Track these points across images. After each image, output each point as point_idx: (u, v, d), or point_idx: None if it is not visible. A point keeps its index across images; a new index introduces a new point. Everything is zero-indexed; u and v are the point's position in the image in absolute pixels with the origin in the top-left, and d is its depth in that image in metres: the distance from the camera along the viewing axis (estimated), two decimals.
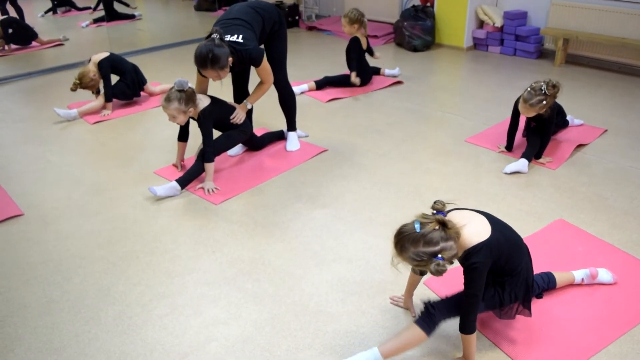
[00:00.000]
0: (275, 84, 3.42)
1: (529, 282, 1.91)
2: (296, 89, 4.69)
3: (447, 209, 1.75)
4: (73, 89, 4.25)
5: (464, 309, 1.79)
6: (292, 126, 3.69)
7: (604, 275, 2.25)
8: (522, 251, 1.90)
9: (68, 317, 2.21)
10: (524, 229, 2.67)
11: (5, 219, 2.94)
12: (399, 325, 2.10)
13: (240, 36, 2.98)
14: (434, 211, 1.69)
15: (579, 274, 2.23)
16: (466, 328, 1.79)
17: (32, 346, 2.07)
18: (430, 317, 1.82)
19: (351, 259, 2.50)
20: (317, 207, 2.95)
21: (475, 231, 1.73)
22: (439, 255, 1.61)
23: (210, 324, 2.15)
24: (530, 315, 1.99)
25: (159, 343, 2.06)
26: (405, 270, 1.69)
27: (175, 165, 3.43)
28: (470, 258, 1.70)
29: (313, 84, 4.77)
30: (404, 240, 1.63)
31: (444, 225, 1.63)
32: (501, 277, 1.86)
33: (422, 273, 2.03)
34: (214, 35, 2.88)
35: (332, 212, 2.91)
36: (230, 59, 2.91)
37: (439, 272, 1.61)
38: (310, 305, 2.24)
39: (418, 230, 1.61)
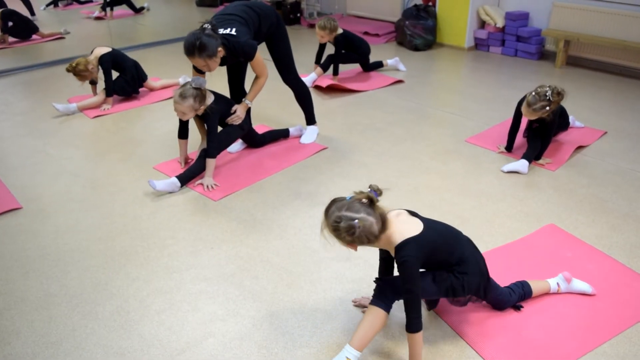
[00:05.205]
0: (289, 82, 3.52)
1: (484, 272, 1.97)
2: (306, 80, 4.73)
3: (382, 195, 1.83)
4: (68, 70, 4.25)
5: (405, 306, 1.80)
6: (311, 120, 3.76)
7: (580, 284, 2.24)
8: (461, 241, 1.96)
9: (65, 311, 2.21)
10: (523, 230, 2.67)
11: (3, 212, 2.94)
12: (395, 325, 2.10)
13: (234, 29, 2.99)
14: (369, 190, 1.80)
15: (553, 281, 2.22)
16: (409, 325, 1.79)
17: (29, 339, 2.07)
18: (383, 293, 1.89)
19: (349, 257, 2.50)
20: (316, 205, 2.95)
21: (405, 229, 1.81)
22: (356, 221, 1.70)
23: (208, 320, 2.15)
24: (519, 309, 2.10)
25: (157, 338, 2.06)
26: (334, 241, 1.79)
27: (179, 162, 3.43)
28: (399, 252, 1.78)
29: (320, 70, 4.80)
30: (332, 205, 1.76)
31: (371, 201, 1.74)
32: (451, 267, 1.90)
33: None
34: (206, 25, 2.89)
35: None
36: (220, 49, 2.91)
37: (347, 230, 1.70)
38: (308, 303, 2.24)
39: (348, 199, 1.75)
